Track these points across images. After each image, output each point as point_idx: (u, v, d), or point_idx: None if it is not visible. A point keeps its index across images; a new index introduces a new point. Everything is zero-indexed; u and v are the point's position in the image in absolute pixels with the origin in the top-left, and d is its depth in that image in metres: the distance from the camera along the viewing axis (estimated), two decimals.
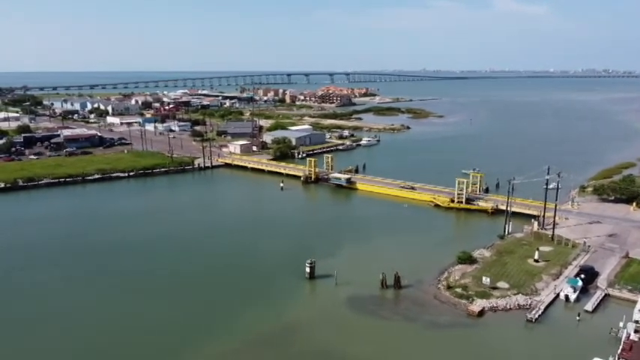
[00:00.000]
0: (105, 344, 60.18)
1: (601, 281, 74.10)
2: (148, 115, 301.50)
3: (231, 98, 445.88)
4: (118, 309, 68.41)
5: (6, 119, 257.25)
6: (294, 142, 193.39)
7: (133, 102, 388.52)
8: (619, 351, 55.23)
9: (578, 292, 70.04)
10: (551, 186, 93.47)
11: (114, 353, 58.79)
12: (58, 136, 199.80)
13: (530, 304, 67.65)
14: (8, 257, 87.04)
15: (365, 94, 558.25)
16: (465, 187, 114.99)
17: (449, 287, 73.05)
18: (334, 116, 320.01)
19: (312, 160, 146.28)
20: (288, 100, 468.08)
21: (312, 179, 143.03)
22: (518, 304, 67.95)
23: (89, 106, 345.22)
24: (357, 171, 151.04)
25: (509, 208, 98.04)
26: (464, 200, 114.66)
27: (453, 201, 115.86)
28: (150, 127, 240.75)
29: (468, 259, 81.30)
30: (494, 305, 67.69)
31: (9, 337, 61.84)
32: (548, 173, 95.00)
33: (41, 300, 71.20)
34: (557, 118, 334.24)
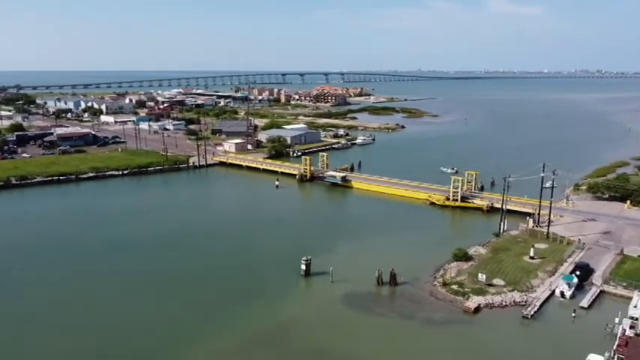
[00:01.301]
0: (101, 344, 59.50)
1: (596, 278, 74.27)
2: (143, 114, 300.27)
3: (225, 97, 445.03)
4: (113, 308, 67.76)
5: None
6: (289, 141, 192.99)
7: (127, 101, 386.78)
8: (614, 346, 55.33)
9: (573, 288, 70.09)
10: (547, 184, 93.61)
11: (111, 353, 58.15)
12: (52, 134, 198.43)
13: (525, 301, 67.67)
14: (2, 256, 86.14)
15: (360, 94, 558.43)
16: (460, 185, 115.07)
17: (445, 284, 72.93)
18: (329, 115, 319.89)
19: (308, 158, 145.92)
20: (282, 99, 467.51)
21: (308, 177, 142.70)
22: (513, 301, 67.96)
23: (83, 105, 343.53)
24: (352, 169, 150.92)
25: (504, 206, 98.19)
26: (459, 198, 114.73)
27: (448, 199, 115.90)
28: (144, 125, 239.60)
29: (463, 257, 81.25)
30: (490, 302, 67.66)
31: (8, 337, 61.13)
32: (543, 171, 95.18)
33: (37, 299, 70.45)
34: (551, 117, 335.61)
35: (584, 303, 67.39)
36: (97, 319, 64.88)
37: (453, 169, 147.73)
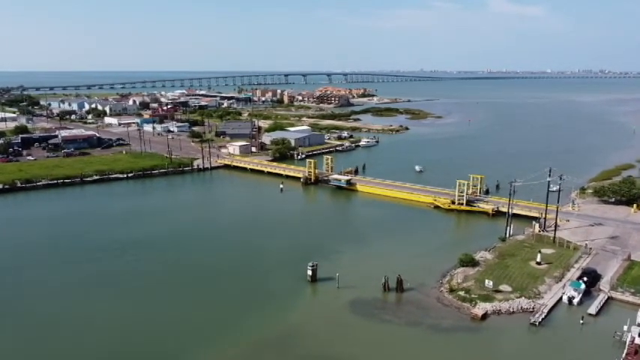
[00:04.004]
0: (103, 347, 59.56)
1: (604, 284, 73.88)
2: (146, 115, 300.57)
3: (229, 99, 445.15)
4: (117, 311, 67.86)
5: (3, 119, 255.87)
6: (293, 143, 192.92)
7: (130, 102, 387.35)
8: (624, 355, 55.12)
9: (581, 295, 69.81)
10: (553, 188, 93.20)
11: (113, 357, 58.26)
12: (56, 136, 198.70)
13: (533, 308, 67.39)
14: (8, 258, 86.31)
15: (363, 95, 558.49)
16: (465, 189, 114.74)
17: (451, 290, 72.72)
18: (332, 117, 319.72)
19: (312, 161, 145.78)
20: (286, 100, 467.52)
21: (312, 180, 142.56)
22: (521, 308, 67.69)
23: (86, 107, 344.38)
24: (356, 172, 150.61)
25: (510, 210, 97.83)
26: (464, 202, 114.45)
27: (453, 202, 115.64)
28: (148, 127, 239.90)
29: (470, 262, 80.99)
30: (498, 308, 67.42)
31: (9, 338, 61.26)
32: (549, 175, 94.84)
33: (41, 301, 70.51)
34: (554, 119, 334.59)
35: (592, 310, 67.06)
36: (103, 321, 64.96)
37: (421, 167, 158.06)
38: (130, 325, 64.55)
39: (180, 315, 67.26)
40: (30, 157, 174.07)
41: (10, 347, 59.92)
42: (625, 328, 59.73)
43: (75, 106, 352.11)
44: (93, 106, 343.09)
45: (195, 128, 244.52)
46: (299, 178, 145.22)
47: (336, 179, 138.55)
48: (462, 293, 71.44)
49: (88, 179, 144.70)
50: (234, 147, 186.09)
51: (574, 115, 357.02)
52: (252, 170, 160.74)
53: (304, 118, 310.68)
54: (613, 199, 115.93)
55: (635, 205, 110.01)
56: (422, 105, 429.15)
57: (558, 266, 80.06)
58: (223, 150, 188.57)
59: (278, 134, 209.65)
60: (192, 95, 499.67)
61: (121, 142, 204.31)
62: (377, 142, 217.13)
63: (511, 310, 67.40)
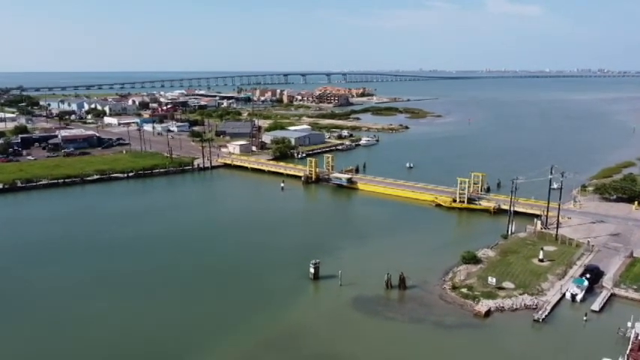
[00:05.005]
0: (103, 347, 59.37)
1: (606, 281, 73.84)
2: (146, 115, 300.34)
3: (228, 98, 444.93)
4: (117, 311, 67.63)
5: (3, 120, 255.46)
6: (293, 142, 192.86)
7: (130, 102, 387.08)
8: (627, 351, 54.99)
9: (584, 291, 69.75)
10: (555, 186, 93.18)
11: (113, 356, 58.07)
12: (56, 136, 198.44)
13: (536, 305, 67.30)
14: (8, 258, 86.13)
15: (362, 94, 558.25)
16: (466, 187, 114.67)
17: (454, 287, 72.65)
18: (332, 116, 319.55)
19: (313, 160, 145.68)
20: (285, 100, 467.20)
21: (313, 179, 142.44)
22: (524, 305, 67.59)
23: (86, 107, 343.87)
24: (357, 171, 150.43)
25: (512, 208, 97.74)
26: (466, 200, 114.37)
27: (455, 200, 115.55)
28: (148, 127, 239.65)
29: (472, 259, 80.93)
30: (501, 305, 67.33)
31: (10, 338, 61.10)
32: (551, 173, 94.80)
33: (41, 300, 70.34)
34: (554, 118, 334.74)
35: (596, 306, 66.99)
36: (103, 320, 64.82)
37: (409, 164, 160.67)
38: (130, 325, 64.34)
39: (181, 314, 67.10)
40: (30, 157, 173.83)
41: (10, 347, 59.73)
42: (629, 324, 59.65)
43: (74, 107, 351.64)
44: (92, 106, 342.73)
45: (195, 128, 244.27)
46: (300, 177, 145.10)
47: (337, 178, 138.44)
48: (464, 290, 71.39)
49: (89, 179, 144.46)
50: (234, 146, 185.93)
51: (574, 114, 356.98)
52: (253, 169, 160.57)
53: (304, 118, 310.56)
54: (614, 197, 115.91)
55: (636, 203, 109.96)
56: (421, 104, 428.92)
57: (561, 263, 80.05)
58: (223, 149, 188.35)
59: (278, 133, 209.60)
60: (192, 95, 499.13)
61: (121, 141, 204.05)
62: (377, 140, 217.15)
63: (514, 307, 67.32)
